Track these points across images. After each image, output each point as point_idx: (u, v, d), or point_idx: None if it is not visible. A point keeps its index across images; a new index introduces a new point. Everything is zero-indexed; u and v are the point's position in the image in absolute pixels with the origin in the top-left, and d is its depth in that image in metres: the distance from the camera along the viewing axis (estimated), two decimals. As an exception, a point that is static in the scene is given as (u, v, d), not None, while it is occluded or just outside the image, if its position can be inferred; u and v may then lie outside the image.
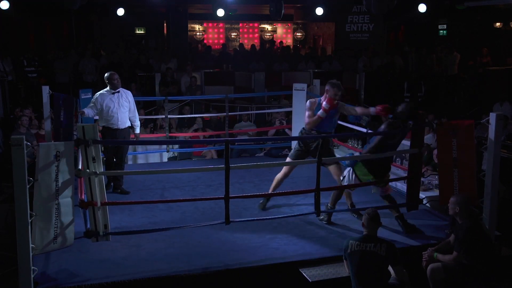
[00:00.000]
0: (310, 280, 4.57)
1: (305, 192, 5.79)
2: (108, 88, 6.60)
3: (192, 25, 18.41)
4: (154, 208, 6.11)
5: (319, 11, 14.34)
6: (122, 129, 6.60)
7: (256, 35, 19.50)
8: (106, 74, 6.66)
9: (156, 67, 13.20)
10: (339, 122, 8.12)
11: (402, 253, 4.87)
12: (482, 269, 4.51)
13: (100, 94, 6.59)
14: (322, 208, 5.37)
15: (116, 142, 6.41)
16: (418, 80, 12.87)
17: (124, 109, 6.60)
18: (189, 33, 17.69)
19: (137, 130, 6.87)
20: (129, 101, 6.69)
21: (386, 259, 4.28)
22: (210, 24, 19.01)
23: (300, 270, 4.71)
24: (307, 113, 5.92)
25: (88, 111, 6.51)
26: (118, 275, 4.51)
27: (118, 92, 6.59)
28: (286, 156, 8.64)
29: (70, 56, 13.42)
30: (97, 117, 6.78)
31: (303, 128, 5.98)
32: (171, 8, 16.06)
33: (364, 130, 6.65)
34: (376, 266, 4.27)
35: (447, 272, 4.53)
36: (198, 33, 18.62)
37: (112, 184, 6.75)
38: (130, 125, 6.75)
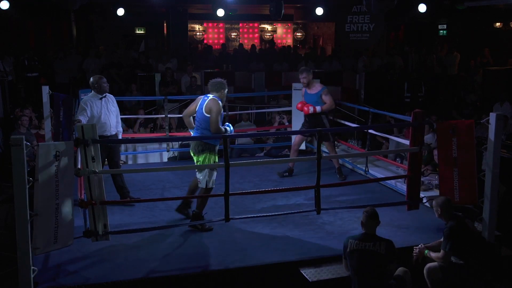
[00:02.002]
0: (310, 280, 4.57)
1: (305, 189, 5.79)
2: (94, 92, 6.25)
3: (192, 25, 18.39)
4: (154, 208, 6.11)
5: (319, 11, 14.34)
6: (113, 135, 6.34)
7: (256, 35, 19.48)
8: (93, 79, 6.30)
9: (156, 67, 13.20)
10: (339, 120, 8.18)
11: (402, 253, 4.88)
12: (477, 268, 4.53)
13: (89, 99, 6.21)
14: (323, 206, 5.36)
15: (115, 141, 6.38)
16: (418, 80, 12.86)
17: (113, 115, 6.31)
18: (189, 33, 17.68)
19: (120, 136, 6.58)
20: (115, 106, 6.39)
21: (385, 257, 4.28)
22: (210, 24, 19.00)
23: (300, 270, 4.71)
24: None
25: (83, 119, 6.04)
26: (118, 275, 4.52)
27: (105, 96, 6.28)
28: (286, 156, 8.69)
29: (71, 56, 13.41)
30: None
31: None
32: (171, 8, 16.05)
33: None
34: (376, 265, 4.27)
35: (444, 272, 4.54)
36: (198, 33, 18.61)
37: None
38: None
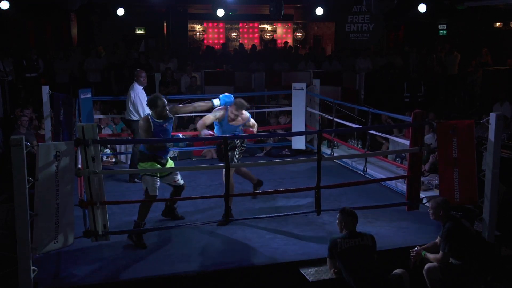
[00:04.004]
0: (310, 280, 4.57)
1: (305, 190, 5.79)
2: (137, 84, 7.37)
3: (192, 25, 18.39)
4: (154, 208, 6.10)
5: (319, 11, 14.34)
6: None
7: (256, 35, 19.48)
8: (136, 72, 7.48)
9: (156, 67, 13.20)
10: (338, 120, 8.18)
11: (402, 253, 4.88)
12: (477, 269, 4.53)
13: (142, 90, 7.33)
14: (323, 207, 5.36)
15: (115, 141, 6.39)
16: (418, 80, 12.85)
17: None
18: (189, 33, 17.68)
19: None
20: None
21: (373, 249, 4.41)
22: (210, 24, 19.00)
23: (300, 270, 4.71)
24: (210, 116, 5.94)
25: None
26: (118, 275, 4.52)
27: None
28: (286, 156, 8.69)
29: (71, 56, 13.41)
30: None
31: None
32: (171, 8, 16.06)
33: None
34: (370, 258, 4.36)
35: (444, 272, 4.55)
36: (198, 33, 18.61)
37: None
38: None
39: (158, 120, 5.36)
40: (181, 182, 5.64)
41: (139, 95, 7.30)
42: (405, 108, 10.63)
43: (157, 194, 5.36)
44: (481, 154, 5.47)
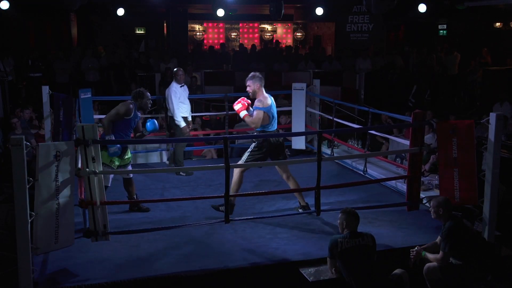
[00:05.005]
0: (310, 280, 4.57)
1: (305, 190, 5.79)
2: (175, 82, 7.60)
3: (192, 25, 18.39)
4: (154, 208, 6.12)
5: (319, 11, 14.35)
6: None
7: (256, 35, 19.49)
8: (174, 71, 7.77)
9: (156, 67, 13.20)
10: (338, 120, 8.17)
11: (402, 253, 4.88)
12: (476, 269, 4.53)
13: (174, 87, 7.56)
14: (323, 207, 5.36)
15: (114, 141, 6.37)
16: (423, 85, 12.75)
17: (188, 101, 7.80)
18: (189, 33, 17.68)
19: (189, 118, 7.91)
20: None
21: (374, 248, 4.42)
22: (210, 24, 19.00)
23: (300, 270, 4.72)
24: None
25: (175, 101, 7.53)
26: (118, 275, 4.52)
27: (183, 85, 7.72)
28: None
29: (73, 56, 13.42)
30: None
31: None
32: (171, 8, 16.06)
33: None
34: (371, 258, 4.37)
35: (444, 272, 4.55)
36: (198, 33, 18.61)
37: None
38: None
39: (136, 112, 5.85)
40: (131, 175, 6.03)
41: (171, 93, 7.49)
42: (406, 109, 10.60)
43: (109, 185, 5.72)
44: (481, 154, 5.47)
